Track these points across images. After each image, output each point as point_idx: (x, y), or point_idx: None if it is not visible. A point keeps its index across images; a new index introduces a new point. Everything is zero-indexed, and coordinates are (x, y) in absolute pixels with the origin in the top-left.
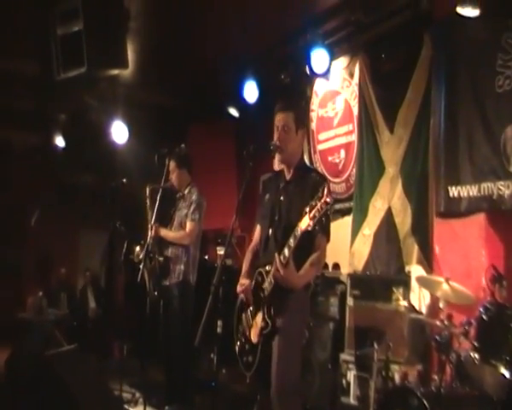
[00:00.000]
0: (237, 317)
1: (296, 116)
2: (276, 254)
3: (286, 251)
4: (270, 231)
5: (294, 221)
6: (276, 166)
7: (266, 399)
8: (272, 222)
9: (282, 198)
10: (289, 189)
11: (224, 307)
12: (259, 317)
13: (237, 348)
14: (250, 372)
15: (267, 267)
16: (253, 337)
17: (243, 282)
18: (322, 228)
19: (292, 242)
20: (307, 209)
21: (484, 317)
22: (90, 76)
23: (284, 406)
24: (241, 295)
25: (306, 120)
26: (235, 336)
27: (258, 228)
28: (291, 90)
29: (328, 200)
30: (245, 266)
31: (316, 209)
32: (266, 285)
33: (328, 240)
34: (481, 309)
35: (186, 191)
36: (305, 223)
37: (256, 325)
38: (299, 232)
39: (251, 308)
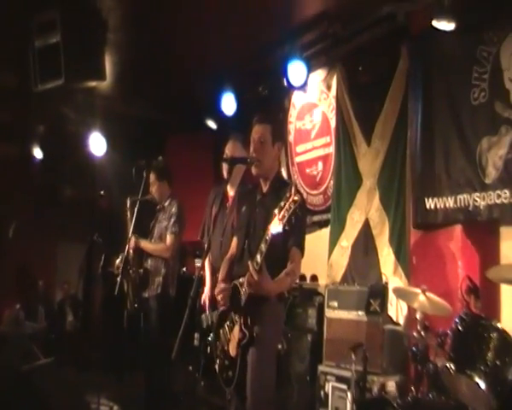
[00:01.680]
0: (215, 334)
1: (273, 129)
2: (250, 261)
3: (258, 257)
4: (246, 242)
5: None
6: (229, 189)
7: None
8: (248, 234)
9: (257, 210)
10: (265, 202)
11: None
12: (236, 329)
13: (217, 366)
14: (231, 387)
15: (241, 279)
16: (232, 351)
17: (222, 286)
18: (296, 241)
19: (263, 247)
20: (276, 211)
21: (459, 328)
22: (67, 88)
23: None
24: (220, 309)
25: (284, 134)
26: (214, 354)
27: (234, 239)
28: (269, 102)
29: (295, 198)
30: (222, 273)
31: (284, 210)
32: (241, 295)
33: (302, 254)
34: (457, 320)
35: (166, 203)
36: (274, 225)
37: (234, 338)
38: (269, 236)
39: (228, 322)
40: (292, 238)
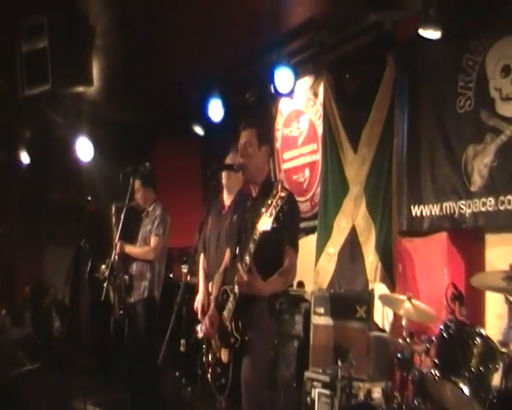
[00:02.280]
0: (207, 342)
1: (258, 132)
2: (239, 263)
3: (246, 257)
4: (238, 249)
5: None
6: (225, 198)
7: None
8: (239, 241)
9: (247, 216)
10: (255, 205)
11: (187, 326)
12: (227, 337)
13: (209, 376)
14: (224, 395)
15: (231, 286)
16: (224, 357)
17: (212, 313)
18: (289, 240)
19: (252, 247)
20: (263, 210)
21: (444, 334)
22: (54, 93)
23: None
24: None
25: (270, 137)
26: (205, 363)
27: (228, 251)
28: (256, 109)
29: (282, 194)
30: (215, 291)
31: (272, 207)
32: (231, 299)
33: (296, 251)
34: (442, 327)
35: (150, 208)
36: (262, 223)
37: (225, 347)
38: (257, 235)
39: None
40: (285, 237)
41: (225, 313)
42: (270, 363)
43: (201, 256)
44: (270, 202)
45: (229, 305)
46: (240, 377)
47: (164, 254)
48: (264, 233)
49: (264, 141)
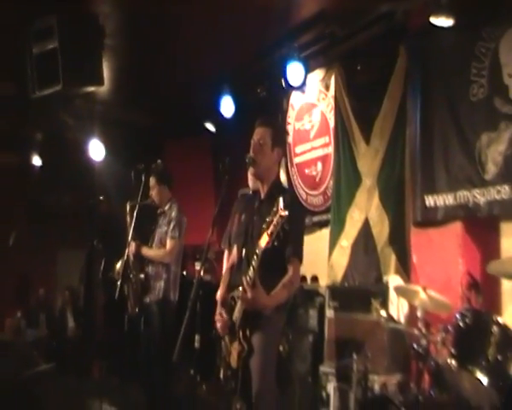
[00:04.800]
0: (218, 343)
1: (273, 133)
2: (243, 277)
3: (250, 272)
4: (244, 250)
5: None
6: (250, 183)
7: None
8: (245, 242)
9: (254, 218)
10: (261, 209)
11: (201, 323)
12: (236, 341)
13: (221, 375)
14: (235, 396)
15: (240, 288)
16: (233, 363)
17: (221, 314)
18: (294, 251)
19: (255, 262)
20: (265, 226)
21: (460, 324)
22: (65, 94)
23: None
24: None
25: (285, 140)
26: (218, 363)
27: (235, 247)
28: (267, 104)
29: (282, 214)
30: (221, 291)
31: (273, 225)
32: (238, 307)
33: (300, 261)
34: (458, 316)
35: (166, 207)
36: (264, 240)
37: (234, 350)
38: (259, 251)
39: (228, 334)
40: (289, 248)
41: (234, 319)
42: (277, 360)
43: (226, 252)
44: (270, 219)
45: (237, 313)
46: (250, 383)
47: (180, 255)
48: (266, 250)
49: (278, 143)
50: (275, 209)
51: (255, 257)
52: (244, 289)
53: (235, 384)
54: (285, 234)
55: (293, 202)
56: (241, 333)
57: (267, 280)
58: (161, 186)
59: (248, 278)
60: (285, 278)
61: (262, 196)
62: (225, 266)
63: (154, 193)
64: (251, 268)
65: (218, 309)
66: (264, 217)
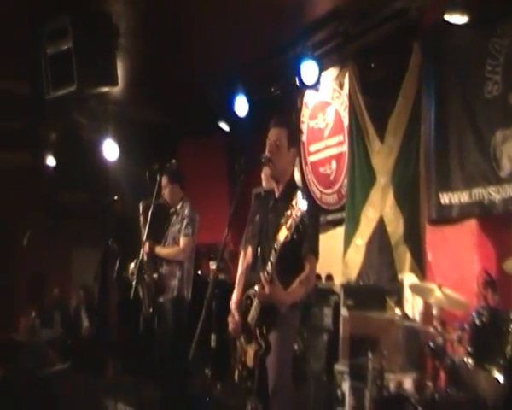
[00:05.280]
0: (233, 344)
1: (289, 133)
2: (261, 272)
3: (268, 267)
4: (259, 249)
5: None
6: (264, 183)
7: None
8: (261, 241)
9: (269, 216)
10: (277, 207)
11: (217, 322)
12: (252, 341)
13: (236, 376)
14: (251, 396)
15: (256, 287)
16: (249, 362)
17: (234, 317)
18: (310, 247)
19: (273, 257)
20: (283, 220)
21: (477, 322)
22: (79, 94)
23: None
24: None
25: (299, 139)
26: (232, 363)
27: (249, 248)
28: (281, 102)
29: (302, 207)
30: (236, 293)
31: (292, 219)
32: (255, 305)
33: (317, 258)
34: (474, 314)
35: (179, 206)
36: (282, 234)
37: (251, 349)
38: (278, 245)
39: (244, 334)
40: (305, 244)
41: (249, 319)
42: (293, 359)
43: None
44: (289, 213)
45: (253, 311)
46: (266, 381)
47: (193, 253)
48: (285, 244)
49: (294, 143)
50: (293, 203)
51: (273, 252)
52: (261, 285)
53: (252, 384)
54: (304, 228)
55: (308, 200)
56: (257, 332)
57: (284, 276)
58: (173, 185)
59: (266, 274)
60: (302, 275)
61: (277, 194)
62: (240, 268)
63: (166, 192)
64: (269, 263)
65: (232, 311)
66: (280, 214)
